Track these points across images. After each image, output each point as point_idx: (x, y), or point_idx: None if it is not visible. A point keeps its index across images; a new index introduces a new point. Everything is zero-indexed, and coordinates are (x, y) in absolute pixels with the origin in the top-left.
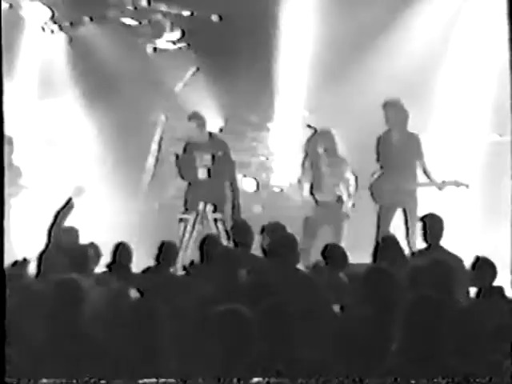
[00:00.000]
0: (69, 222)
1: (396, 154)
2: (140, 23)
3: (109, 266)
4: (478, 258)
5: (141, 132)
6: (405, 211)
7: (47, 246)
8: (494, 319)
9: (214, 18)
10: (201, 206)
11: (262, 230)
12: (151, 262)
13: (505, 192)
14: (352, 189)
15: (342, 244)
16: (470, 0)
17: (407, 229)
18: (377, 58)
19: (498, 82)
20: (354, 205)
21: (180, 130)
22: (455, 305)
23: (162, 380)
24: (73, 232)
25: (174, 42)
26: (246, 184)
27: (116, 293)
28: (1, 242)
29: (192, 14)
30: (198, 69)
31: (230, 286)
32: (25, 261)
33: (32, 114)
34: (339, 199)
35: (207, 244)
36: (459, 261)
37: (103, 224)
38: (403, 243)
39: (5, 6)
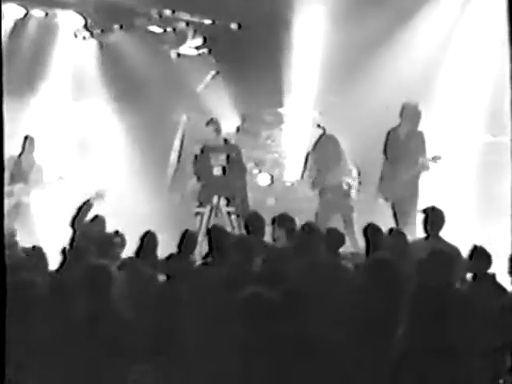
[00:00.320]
0: (99, 211)
1: (402, 148)
2: (165, 31)
3: (137, 252)
4: (475, 247)
5: (165, 130)
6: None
7: (73, 237)
8: (488, 302)
9: (233, 26)
10: (215, 199)
11: (273, 221)
12: (173, 250)
13: (498, 189)
14: (355, 182)
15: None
16: (467, 10)
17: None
18: (381, 64)
19: (493, 87)
20: (359, 190)
21: (200, 129)
22: (455, 292)
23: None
24: (100, 221)
25: (196, 48)
26: (261, 179)
27: (147, 277)
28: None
29: (213, 22)
30: (217, 72)
31: (246, 272)
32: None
33: (66, 114)
34: (345, 192)
35: (214, 234)
36: (456, 250)
37: (131, 214)
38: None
39: (41, 14)
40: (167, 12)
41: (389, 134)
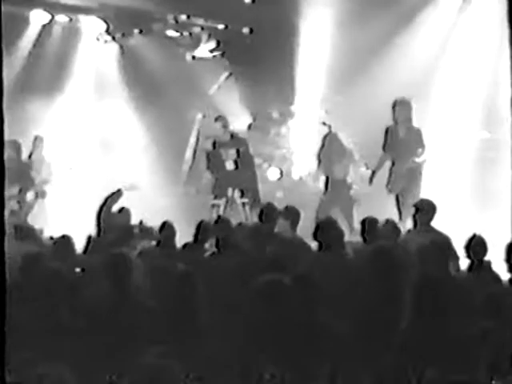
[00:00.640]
0: (122, 204)
1: (401, 144)
2: (181, 35)
3: (157, 242)
4: (474, 235)
5: (181, 128)
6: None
7: (98, 227)
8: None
9: (245, 30)
10: (229, 192)
11: (279, 213)
12: (189, 239)
13: (494, 184)
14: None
15: (355, 224)
16: (465, 11)
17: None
18: (383, 66)
19: (489, 85)
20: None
21: (213, 126)
22: (453, 280)
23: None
24: (126, 213)
25: (210, 51)
26: (270, 173)
27: (165, 266)
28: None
29: (226, 27)
30: (230, 74)
31: (259, 258)
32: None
33: (89, 113)
34: (348, 184)
35: (220, 227)
36: (447, 238)
37: (150, 206)
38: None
39: (65, 19)
40: (183, 17)
41: (387, 131)
